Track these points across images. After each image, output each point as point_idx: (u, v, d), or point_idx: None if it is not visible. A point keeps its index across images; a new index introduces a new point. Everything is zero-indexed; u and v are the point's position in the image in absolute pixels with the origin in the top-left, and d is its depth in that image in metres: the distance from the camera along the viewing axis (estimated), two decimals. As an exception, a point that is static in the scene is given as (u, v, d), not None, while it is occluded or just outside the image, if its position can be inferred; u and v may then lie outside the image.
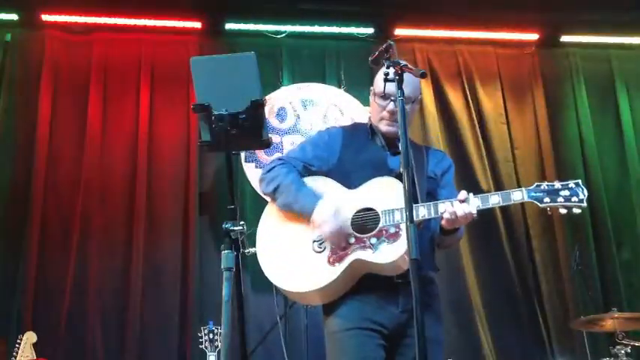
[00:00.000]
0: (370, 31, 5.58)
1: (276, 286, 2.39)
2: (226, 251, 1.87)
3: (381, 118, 2.49)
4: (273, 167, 2.50)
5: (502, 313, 5.25)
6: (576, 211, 2.33)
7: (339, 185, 2.44)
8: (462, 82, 5.79)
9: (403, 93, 2.06)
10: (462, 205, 2.25)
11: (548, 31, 5.91)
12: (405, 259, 2.22)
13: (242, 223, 1.92)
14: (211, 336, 3.85)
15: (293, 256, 2.37)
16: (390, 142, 2.51)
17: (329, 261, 2.32)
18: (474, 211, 2.26)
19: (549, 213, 2.36)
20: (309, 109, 5.50)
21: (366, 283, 2.33)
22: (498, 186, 5.54)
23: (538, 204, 2.33)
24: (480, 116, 5.68)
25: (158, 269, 4.94)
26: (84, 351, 4.63)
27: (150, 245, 4.96)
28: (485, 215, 5.40)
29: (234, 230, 1.89)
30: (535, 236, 5.44)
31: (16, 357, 3.81)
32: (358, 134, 2.59)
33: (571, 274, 5.05)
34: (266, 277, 2.38)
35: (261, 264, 2.40)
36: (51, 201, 4.97)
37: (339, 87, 5.58)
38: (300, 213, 2.38)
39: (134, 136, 5.20)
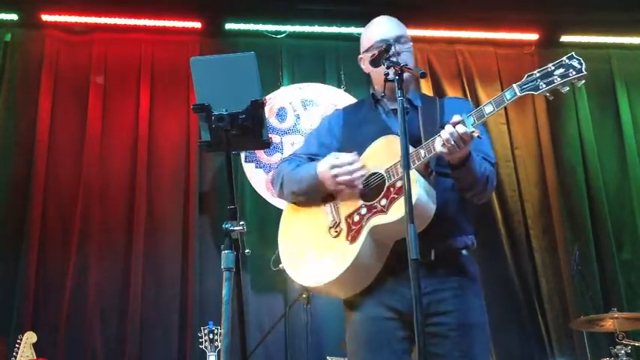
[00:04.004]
0: (370, 31, 5.58)
1: (311, 289, 2.29)
2: (226, 251, 1.87)
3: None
4: (278, 166, 2.45)
5: (502, 313, 5.25)
6: (579, 83, 2.09)
7: None
8: (462, 82, 5.79)
9: (403, 94, 1.99)
10: (455, 127, 2.05)
11: (548, 31, 5.91)
12: (424, 208, 2.10)
13: (242, 223, 1.91)
14: (211, 336, 3.84)
15: (314, 252, 2.25)
16: (394, 97, 2.35)
17: (348, 240, 2.18)
18: (470, 129, 2.05)
19: (550, 98, 2.13)
20: (309, 109, 5.50)
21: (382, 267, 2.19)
22: (498, 186, 5.54)
23: (534, 93, 2.09)
24: (480, 116, 5.68)
25: (158, 269, 4.94)
26: (84, 351, 4.63)
27: (150, 245, 4.96)
28: (486, 215, 5.43)
29: (234, 230, 1.89)
30: (535, 236, 5.44)
31: (16, 357, 3.81)
32: (360, 109, 2.48)
33: (571, 274, 5.05)
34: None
35: (291, 276, 2.28)
36: (51, 201, 4.97)
37: (339, 87, 5.58)
38: (310, 189, 2.28)
39: (134, 136, 5.20)
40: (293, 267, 2.28)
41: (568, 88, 2.10)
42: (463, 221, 2.28)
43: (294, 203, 2.39)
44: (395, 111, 2.34)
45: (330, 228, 2.24)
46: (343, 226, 2.22)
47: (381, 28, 2.46)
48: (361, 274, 2.18)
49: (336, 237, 2.22)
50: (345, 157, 2.21)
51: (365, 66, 2.46)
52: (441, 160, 2.21)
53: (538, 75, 2.10)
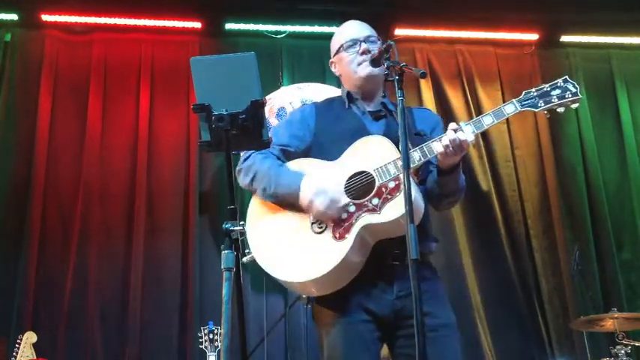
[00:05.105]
0: (370, 31, 5.59)
1: (287, 283, 2.22)
2: (226, 251, 1.87)
3: (359, 63, 2.37)
4: (249, 156, 2.36)
5: (502, 313, 5.25)
6: (574, 105, 2.23)
7: (322, 161, 2.30)
8: (462, 82, 5.79)
9: (403, 94, 1.99)
10: (456, 134, 2.11)
11: (548, 31, 5.91)
12: (418, 208, 2.09)
13: (242, 223, 1.91)
14: (211, 336, 3.84)
15: (294, 246, 2.19)
16: (369, 98, 2.41)
17: (335, 237, 2.14)
18: (470, 138, 2.13)
19: (547, 116, 2.28)
20: (309, 109, 5.49)
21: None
22: (498, 186, 5.54)
23: (533, 110, 2.23)
24: (480, 116, 5.68)
25: (158, 269, 4.94)
26: (84, 351, 4.63)
27: (150, 245, 4.96)
28: (486, 215, 5.43)
29: (234, 230, 1.88)
30: (535, 236, 5.44)
31: (16, 357, 3.81)
32: (333, 106, 2.47)
33: (571, 274, 5.05)
34: (266, 277, 2.29)
35: (263, 267, 2.21)
36: (51, 201, 4.97)
37: (339, 87, 5.55)
38: (284, 197, 2.23)
39: (134, 136, 5.20)
40: (268, 259, 2.21)
41: (563, 109, 2.25)
42: (430, 226, 2.35)
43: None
44: (372, 113, 2.42)
45: (313, 223, 2.20)
46: (328, 222, 2.19)
47: (351, 29, 2.50)
48: (345, 273, 2.16)
49: (320, 233, 2.18)
50: (334, 192, 2.18)
51: (336, 69, 2.53)
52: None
53: (536, 93, 2.25)
